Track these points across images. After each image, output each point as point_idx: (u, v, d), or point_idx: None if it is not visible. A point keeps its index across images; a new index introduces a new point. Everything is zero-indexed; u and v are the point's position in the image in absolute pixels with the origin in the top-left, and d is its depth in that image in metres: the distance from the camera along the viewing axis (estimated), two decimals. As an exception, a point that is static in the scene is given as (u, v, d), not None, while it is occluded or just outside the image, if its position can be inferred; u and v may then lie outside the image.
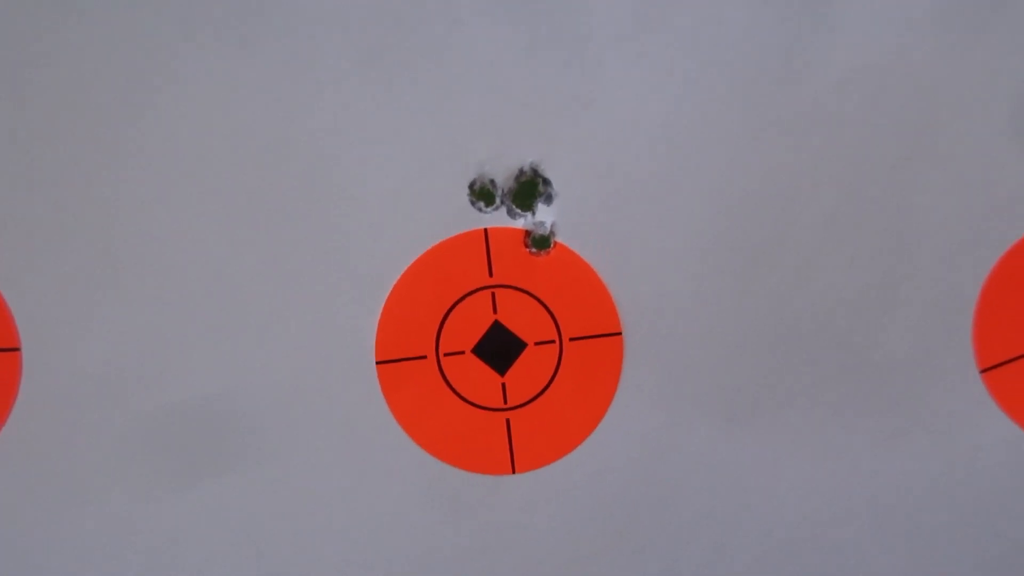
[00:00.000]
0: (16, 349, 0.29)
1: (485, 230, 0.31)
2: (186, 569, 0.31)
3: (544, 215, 0.31)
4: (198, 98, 0.29)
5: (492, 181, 0.30)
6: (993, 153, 0.32)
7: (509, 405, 0.31)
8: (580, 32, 0.30)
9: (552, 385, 0.31)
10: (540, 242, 0.31)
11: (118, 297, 0.29)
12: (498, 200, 0.30)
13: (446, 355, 0.31)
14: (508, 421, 0.31)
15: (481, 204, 0.30)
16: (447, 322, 0.31)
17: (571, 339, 0.31)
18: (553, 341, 0.31)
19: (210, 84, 0.29)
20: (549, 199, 0.31)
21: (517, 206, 0.31)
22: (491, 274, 0.31)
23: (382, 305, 0.30)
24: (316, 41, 0.29)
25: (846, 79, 0.31)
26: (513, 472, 0.31)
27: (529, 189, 0.31)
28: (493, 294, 0.31)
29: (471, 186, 0.30)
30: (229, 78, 0.29)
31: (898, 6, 0.31)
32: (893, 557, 0.33)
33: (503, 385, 0.31)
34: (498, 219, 0.31)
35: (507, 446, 0.31)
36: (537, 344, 0.31)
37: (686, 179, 0.31)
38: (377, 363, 0.30)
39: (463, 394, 0.31)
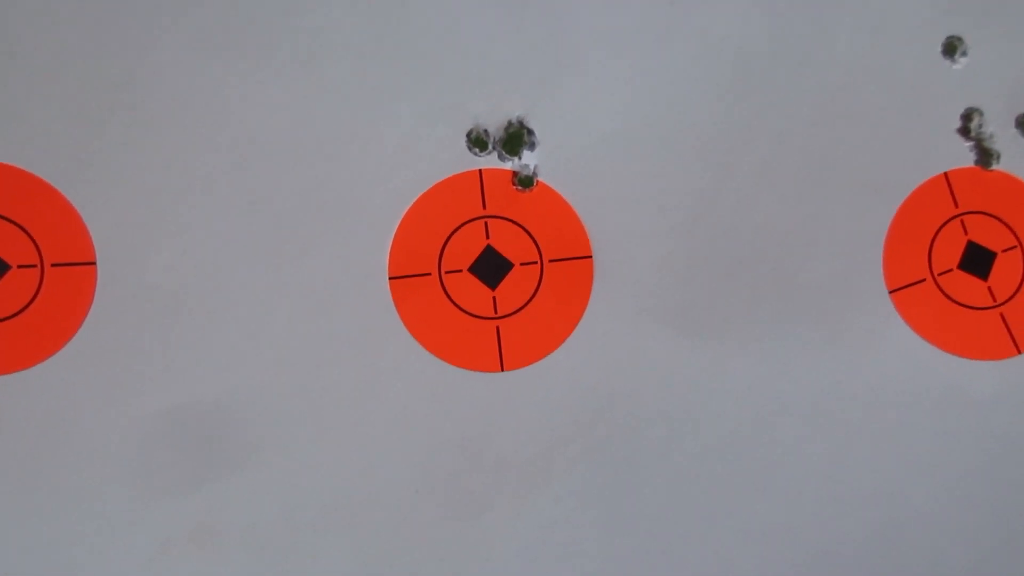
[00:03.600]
0: (92, 263, 0.29)
1: (480, 171, 0.32)
2: (233, 458, 0.30)
3: (529, 159, 0.33)
4: (243, 60, 0.30)
5: (486, 131, 0.32)
6: (901, 109, 0.34)
7: (499, 315, 0.32)
8: (561, 8, 0.32)
9: (534, 299, 0.32)
10: (525, 181, 0.32)
11: (181, 218, 0.30)
12: (490, 147, 0.32)
13: (447, 273, 0.32)
14: (498, 328, 0.32)
15: (476, 150, 0.32)
16: (448, 245, 0.32)
17: (550, 261, 0.32)
18: (535, 262, 0.32)
19: (253, 49, 0.30)
20: (533, 146, 0.33)
21: (506, 152, 0.32)
22: (484, 207, 0.32)
23: (394, 230, 0.31)
24: (334, 21, 0.31)
25: (779, 51, 0.33)
26: (502, 370, 0.32)
27: (516, 138, 0.32)
28: (486, 223, 0.32)
29: (468, 135, 0.32)
30: (262, 49, 0.30)
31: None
32: (818, 444, 0.34)
33: (494, 298, 0.32)
34: (491, 162, 0.32)
35: (497, 349, 0.32)
36: (522, 264, 0.32)
37: (648, 130, 0.33)
38: (390, 279, 0.31)
39: (461, 305, 0.32)
